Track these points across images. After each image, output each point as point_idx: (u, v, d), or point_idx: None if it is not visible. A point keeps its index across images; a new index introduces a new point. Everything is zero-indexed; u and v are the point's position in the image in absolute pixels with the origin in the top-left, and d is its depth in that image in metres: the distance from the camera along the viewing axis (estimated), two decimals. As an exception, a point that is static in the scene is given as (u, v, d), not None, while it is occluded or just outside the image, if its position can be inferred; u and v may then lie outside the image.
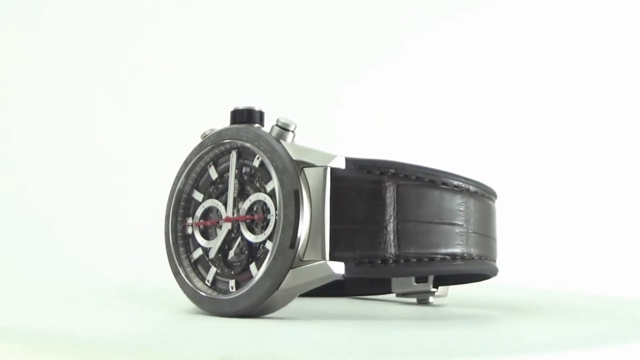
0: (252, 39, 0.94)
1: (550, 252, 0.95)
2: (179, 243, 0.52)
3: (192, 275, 0.51)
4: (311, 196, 0.47)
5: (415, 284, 0.59)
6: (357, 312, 0.55)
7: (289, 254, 0.47)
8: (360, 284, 0.62)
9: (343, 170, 0.47)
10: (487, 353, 0.41)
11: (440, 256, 0.48)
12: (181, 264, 0.51)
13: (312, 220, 0.47)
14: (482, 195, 0.51)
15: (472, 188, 0.50)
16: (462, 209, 0.49)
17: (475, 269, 0.51)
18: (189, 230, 0.52)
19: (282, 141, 0.49)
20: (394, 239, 0.47)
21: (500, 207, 0.56)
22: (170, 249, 0.52)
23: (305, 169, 0.48)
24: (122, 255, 0.84)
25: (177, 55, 0.93)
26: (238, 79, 0.93)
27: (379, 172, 0.48)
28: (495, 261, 0.53)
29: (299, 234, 0.46)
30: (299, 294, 0.48)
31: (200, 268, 0.51)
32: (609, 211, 0.97)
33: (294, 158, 0.48)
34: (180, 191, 0.52)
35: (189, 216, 0.52)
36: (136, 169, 0.89)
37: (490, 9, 1.00)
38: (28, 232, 0.85)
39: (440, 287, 0.59)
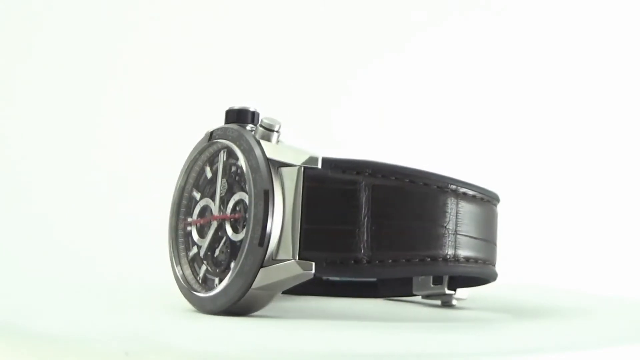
0: (253, 39, 0.94)
1: (556, 251, 0.94)
2: (180, 241, 0.53)
3: (188, 272, 0.52)
4: (285, 195, 0.47)
5: (432, 285, 0.59)
6: (359, 313, 0.55)
7: (259, 253, 0.47)
8: (389, 285, 0.62)
9: (318, 169, 0.47)
10: (486, 354, 0.40)
11: (418, 258, 0.47)
12: (179, 263, 0.52)
13: (284, 219, 0.47)
14: (474, 197, 0.50)
15: (462, 190, 0.49)
16: (446, 210, 0.48)
17: (463, 271, 0.50)
18: (189, 229, 0.53)
19: (263, 141, 0.49)
20: (367, 240, 0.47)
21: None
22: (171, 247, 0.53)
23: (283, 169, 0.48)
24: (121, 255, 0.84)
25: (178, 55, 0.94)
26: (241, 79, 0.94)
27: (355, 172, 0.47)
28: (493, 265, 0.52)
29: (268, 233, 0.47)
30: (278, 293, 0.48)
31: (195, 266, 0.52)
32: (611, 211, 0.96)
33: (270, 157, 0.48)
34: (182, 189, 0.53)
35: (190, 215, 0.53)
36: (137, 168, 0.90)
37: (494, 9, 0.99)
38: (28, 231, 0.85)
39: (458, 290, 0.58)
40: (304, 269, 0.47)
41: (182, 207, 0.53)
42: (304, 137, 0.52)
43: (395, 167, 0.48)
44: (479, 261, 0.50)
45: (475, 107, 0.97)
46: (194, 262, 0.52)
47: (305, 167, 0.47)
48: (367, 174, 0.47)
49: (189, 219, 0.52)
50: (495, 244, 0.52)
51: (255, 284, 0.47)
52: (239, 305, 0.48)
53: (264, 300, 0.48)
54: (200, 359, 0.37)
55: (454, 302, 0.57)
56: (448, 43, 0.98)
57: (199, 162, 0.52)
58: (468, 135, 0.96)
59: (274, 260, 0.47)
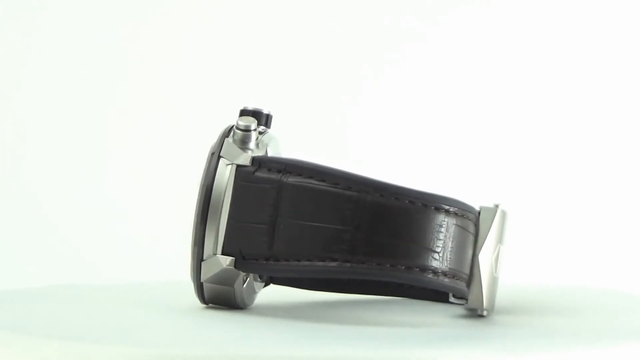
0: (259, 41, 0.94)
1: (556, 250, 0.95)
2: None
3: None
4: (226, 193, 0.49)
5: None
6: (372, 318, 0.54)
7: (196, 247, 0.49)
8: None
9: (248, 168, 0.49)
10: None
11: (319, 258, 0.48)
12: None
13: (220, 215, 0.49)
14: (397, 199, 0.48)
15: (380, 193, 0.48)
16: (349, 212, 0.48)
17: (370, 274, 0.48)
18: None
19: (227, 139, 0.50)
20: (277, 238, 0.48)
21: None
22: None
23: (233, 166, 0.50)
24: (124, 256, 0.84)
25: (187, 57, 0.94)
26: (242, 80, 0.93)
27: (277, 171, 0.49)
28: (430, 272, 0.49)
29: (202, 228, 0.49)
30: (234, 286, 0.49)
31: None
32: (609, 208, 0.97)
33: (221, 155, 0.50)
34: None
35: None
36: (139, 169, 0.90)
37: (498, 11, 1.00)
38: (29, 230, 0.86)
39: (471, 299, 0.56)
40: (225, 264, 0.49)
41: None
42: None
43: (317, 167, 0.48)
44: (400, 267, 0.48)
45: (478, 109, 0.98)
46: None
47: (237, 165, 0.49)
48: (288, 173, 0.48)
49: None
50: (431, 250, 0.49)
51: (202, 278, 0.49)
52: (210, 297, 0.50)
53: (229, 294, 0.50)
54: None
55: (485, 312, 0.55)
56: (458, 47, 0.98)
57: None
58: (475, 138, 0.97)
59: (213, 255, 0.49)
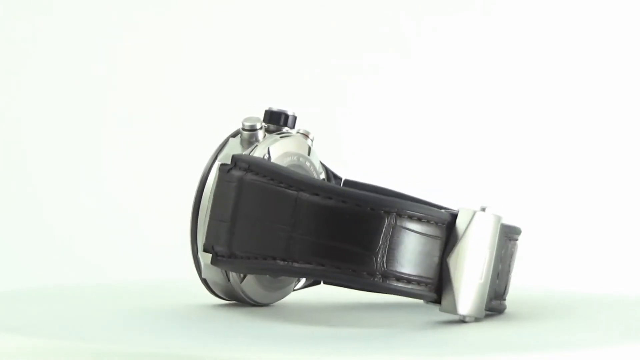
0: (258, 42, 0.94)
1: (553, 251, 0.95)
2: None
3: None
4: (211, 190, 0.50)
5: None
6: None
7: (191, 244, 0.51)
8: None
9: (227, 166, 0.50)
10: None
11: (263, 257, 0.48)
12: None
13: (205, 212, 0.50)
14: (331, 199, 0.47)
15: (314, 192, 0.48)
16: (289, 211, 0.48)
17: (297, 272, 0.49)
18: None
19: (232, 138, 0.51)
20: (234, 236, 0.49)
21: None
22: None
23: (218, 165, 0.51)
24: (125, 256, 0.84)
25: (187, 58, 0.94)
26: (250, 80, 0.93)
27: (243, 169, 0.49)
28: (369, 275, 0.47)
29: (195, 226, 0.50)
30: (230, 280, 0.50)
31: None
32: (607, 211, 0.97)
33: (218, 155, 0.51)
34: None
35: None
36: (140, 169, 0.90)
37: (493, 15, 1.00)
38: (29, 230, 0.85)
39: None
40: (204, 261, 0.50)
41: None
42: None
43: (268, 166, 0.49)
44: (332, 267, 0.47)
45: (476, 111, 0.98)
46: None
47: (221, 164, 0.50)
48: (250, 171, 0.49)
49: None
50: (366, 251, 0.47)
51: (202, 274, 0.50)
52: (218, 292, 0.51)
53: (228, 289, 0.51)
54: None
55: (466, 318, 0.53)
56: (454, 49, 0.98)
57: None
58: (480, 140, 0.97)
59: (200, 252, 0.50)
